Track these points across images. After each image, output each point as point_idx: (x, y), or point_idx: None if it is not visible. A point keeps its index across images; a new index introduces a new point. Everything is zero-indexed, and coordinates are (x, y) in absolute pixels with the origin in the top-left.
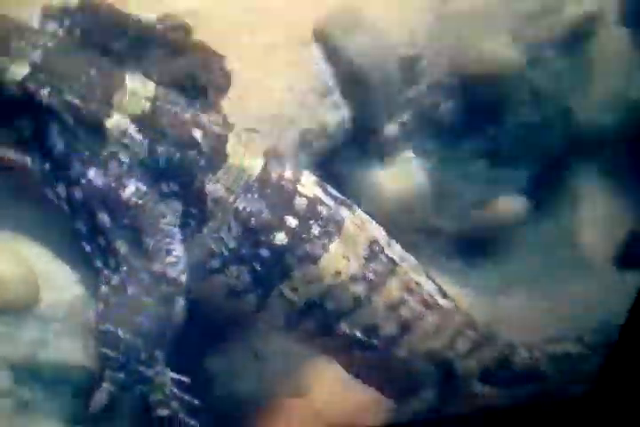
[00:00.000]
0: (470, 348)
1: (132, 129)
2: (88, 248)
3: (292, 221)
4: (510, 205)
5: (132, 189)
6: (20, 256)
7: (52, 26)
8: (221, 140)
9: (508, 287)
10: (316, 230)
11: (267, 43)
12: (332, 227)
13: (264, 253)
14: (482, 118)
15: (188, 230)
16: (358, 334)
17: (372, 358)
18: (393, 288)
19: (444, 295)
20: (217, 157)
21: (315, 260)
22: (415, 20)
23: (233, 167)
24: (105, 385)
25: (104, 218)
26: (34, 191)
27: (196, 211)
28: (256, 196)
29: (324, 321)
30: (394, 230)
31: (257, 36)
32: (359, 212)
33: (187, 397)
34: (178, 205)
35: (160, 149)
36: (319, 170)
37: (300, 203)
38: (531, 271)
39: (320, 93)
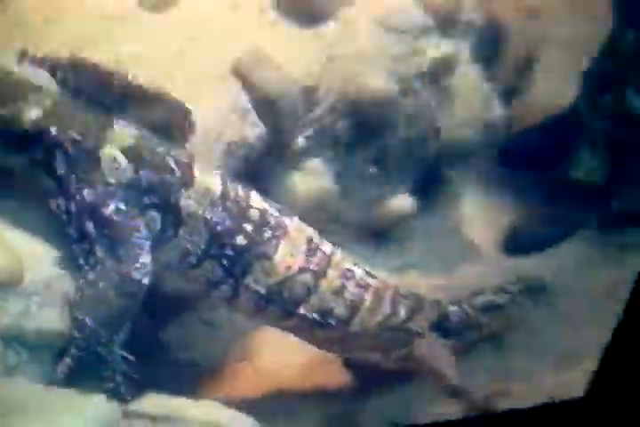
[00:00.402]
0: (410, 312)
1: (121, 157)
2: (76, 249)
3: (248, 228)
4: (401, 202)
5: (112, 207)
6: (6, 243)
7: (44, 75)
8: (189, 168)
9: (408, 267)
10: (267, 234)
11: (195, 76)
12: (279, 231)
13: (229, 251)
14: (370, 134)
15: (166, 234)
16: (316, 316)
17: (332, 335)
18: (332, 277)
19: (371, 276)
20: (187, 179)
21: (269, 257)
22: (310, 60)
23: (200, 187)
24: (67, 360)
25: (90, 228)
26: (26, 193)
27: (173, 219)
28: (220, 209)
29: (286, 307)
30: (311, 222)
31: (187, 72)
32: (296, 218)
33: (132, 373)
34: (157, 216)
35: (142, 173)
36: (245, 174)
37: (254, 214)
38: (426, 255)
39: (240, 114)
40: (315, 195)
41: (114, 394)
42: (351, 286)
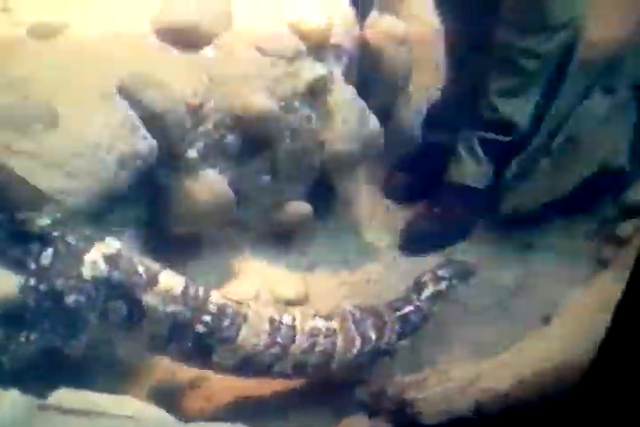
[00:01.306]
0: (377, 332)
1: (101, 262)
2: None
3: (207, 318)
4: (297, 208)
5: (72, 298)
6: None
7: None
8: (155, 274)
9: (315, 266)
10: (226, 322)
11: (84, 96)
12: (239, 319)
13: (190, 337)
14: (258, 147)
15: (131, 322)
16: (290, 371)
17: (309, 375)
18: (301, 341)
19: (330, 319)
20: (152, 282)
21: (231, 341)
22: (192, 81)
23: (163, 288)
24: None
25: (47, 307)
26: None
27: (137, 311)
28: (179, 304)
29: (259, 370)
30: (214, 227)
31: (76, 92)
32: (255, 305)
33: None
34: (122, 305)
35: (114, 274)
36: (145, 184)
37: (212, 308)
38: (330, 255)
39: (130, 129)
40: (214, 203)
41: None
42: (320, 340)
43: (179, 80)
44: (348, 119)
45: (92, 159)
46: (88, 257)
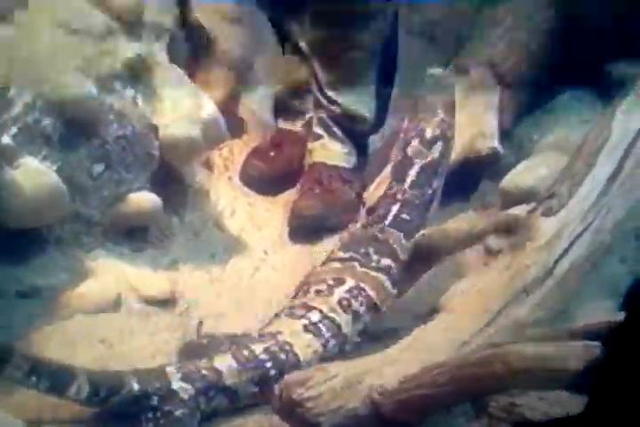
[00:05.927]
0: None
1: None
2: None
3: (269, 364)
4: (141, 199)
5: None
6: None
7: None
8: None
9: (177, 264)
10: (282, 356)
11: None
12: (286, 346)
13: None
14: (82, 132)
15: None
16: (358, 339)
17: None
18: (343, 318)
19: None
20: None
21: (298, 362)
22: None
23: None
24: None
25: None
26: None
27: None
28: (245, 365)
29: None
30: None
31: None
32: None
33: None
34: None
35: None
36: None
37: (263, 357)
38: (194, 251)
39: None
40: (43, 194)
41: None
42: (313, 316)
43: None
44: (179, 103)
45: None
46: None
